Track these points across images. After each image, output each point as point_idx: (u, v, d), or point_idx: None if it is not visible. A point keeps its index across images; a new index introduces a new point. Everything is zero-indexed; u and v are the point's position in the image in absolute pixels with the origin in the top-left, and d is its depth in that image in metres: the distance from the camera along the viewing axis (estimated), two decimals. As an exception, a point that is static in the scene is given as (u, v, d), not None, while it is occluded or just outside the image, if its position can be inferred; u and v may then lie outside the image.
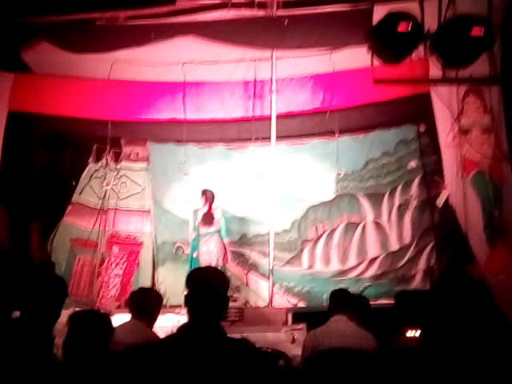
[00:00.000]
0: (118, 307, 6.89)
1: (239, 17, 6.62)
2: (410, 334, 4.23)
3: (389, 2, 4.54)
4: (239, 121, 7.76)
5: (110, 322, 3.02)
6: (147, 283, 7.89)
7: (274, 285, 7.35)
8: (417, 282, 7.67)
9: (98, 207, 8.26)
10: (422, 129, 7.88)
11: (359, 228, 8.04)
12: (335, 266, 8.01)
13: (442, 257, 7.52)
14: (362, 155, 8.07)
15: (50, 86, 7.33)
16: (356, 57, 6.61)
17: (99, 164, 8.35)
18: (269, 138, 7.34)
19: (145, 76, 7.43)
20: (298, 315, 6.16)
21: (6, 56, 6.84)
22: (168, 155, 8.32)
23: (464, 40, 3.62)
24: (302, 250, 8.14)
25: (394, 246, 7.97)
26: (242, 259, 8.14)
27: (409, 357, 3.64)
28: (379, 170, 8.05)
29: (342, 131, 7.72)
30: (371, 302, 5.18)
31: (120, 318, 4.69)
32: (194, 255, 7.32)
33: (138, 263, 8.30)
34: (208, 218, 7.30)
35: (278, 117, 7.26)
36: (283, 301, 7.70)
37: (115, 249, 8.29)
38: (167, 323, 5.66)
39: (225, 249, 7.37)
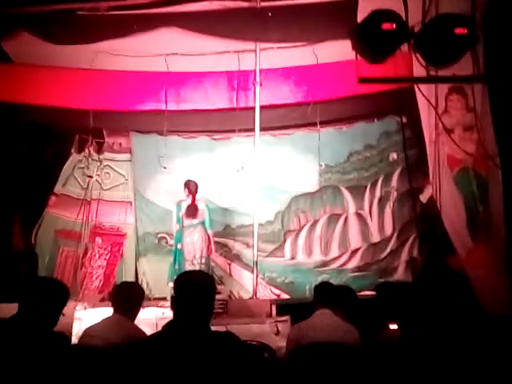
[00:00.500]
0: (102, 300, 6.89)
1: (223, 8, 6.56)
2: (393, 326, 4.29)
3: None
4: (222, 111, 7.75)
5: (66, 289, 3.04)
6: (131, 274, 7.91)
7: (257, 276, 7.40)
8: (399, 274, 7.79)
9: (82, 197, 8.22)
10: (404, 120, 7.96)
11: (341, 219, 8.13)
12: (317, 256, 8.10)
13: (425, 249, 7.63)
14: (346, 147, 8.14)
15: (32, 76, 7.22)
16: (339, 50, 6.60)
17: (82, 154, 8.30)
18: (252, 130, 7.35)
19: (127, 66, 7.36)
20: (282, 307, 6.21)
21: (-14, 46, 6.75)
22: (151, 146, 8.29)
23: (448, 38, 3.66)
24: (284, 241, 8.22)
25: (376, 237, 8.09)
26: (225, 250, 8.19)
27: (391, 350, 3.72)
28: (362, 163, 8.14)
29: (326, 123, 7.78)
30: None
31: (103, 311, 4.72)
32: (179, 246, 7.31)
33: (122, 254, 8.29)
34: (192, 210, 7.29)
35: (262, 108, 7.26)
36: (266, 291, 7.77)
37: (98, 240, 8.26)
38: (151, 315, 5.70)
39: (209, 240, 7.37)
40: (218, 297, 6.27)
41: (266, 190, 7.78)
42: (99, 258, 8.19)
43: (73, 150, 8.36)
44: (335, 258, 8.02)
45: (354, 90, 6.77)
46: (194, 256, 7.23)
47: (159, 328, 2.60)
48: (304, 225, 8.17)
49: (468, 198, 5.73)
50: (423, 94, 5.24)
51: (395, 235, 7.99)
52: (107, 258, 8.22)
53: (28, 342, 2.69)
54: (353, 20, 4.54)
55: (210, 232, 7.42)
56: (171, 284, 7.21)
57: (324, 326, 4.14)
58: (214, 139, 8.40)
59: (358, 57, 3.96)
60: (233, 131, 7.84)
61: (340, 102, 7.50)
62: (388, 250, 7.94)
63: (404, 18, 3.75)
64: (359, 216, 8.13)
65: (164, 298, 6.85)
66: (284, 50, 7.19)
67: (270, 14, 6.45)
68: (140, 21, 6.60)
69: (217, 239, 7.77)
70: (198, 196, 7.39)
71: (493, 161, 5.41)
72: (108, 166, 8.46)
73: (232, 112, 7.58)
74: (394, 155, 8.12)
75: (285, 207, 8.22)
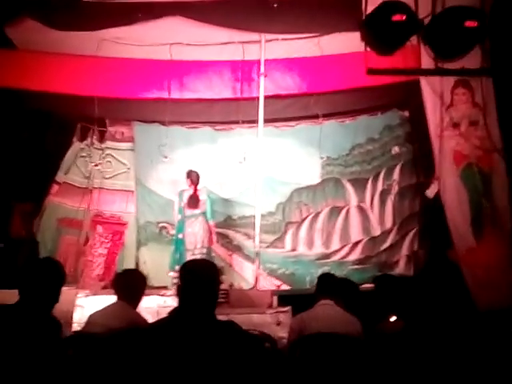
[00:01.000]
0: (104, 287, 6.90)
1: (228, -2, 6.56)
2: (394, 318, 4.31)
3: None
4: (226, 100, 7.74)
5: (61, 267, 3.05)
6: (132, 263, 7.90)
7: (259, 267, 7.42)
8: (400, 268, 7.79)
9: (84, 186, 8.20)
10: (407, 114, 7.97)
11: (343, 212, 8.13)
12: (318, 248, 8.10)
13: (426, 243, 7.64)
14: (348, 140, 8.13)
15: (36, 62, 7.21)
16: (345, 42, 6.62)
17: (84, 143, 8.29)
18: (255, 121, 7.34)
19: (131, 54, 7.35)
20: (283, 298, 6.23)
21: (-10, 32, 6.72)
22: (153, 136, 8.26)
23: (457, 31, 3.65)
24: (285, 232, 8.20)
25: (376, 230, 8.08)
26: (226, 241, 8.18)
27: (392, 341, 3.74)
28: (364, 156, 8.13)
29: (329, 116, 7.77)
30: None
31: (105, 299, 4.73)
32: (180, 236, 7.33)
33: (123, 243, 8.29)
34: (194, 200, 7.30)
35: (265, 98, 7.25)
36: (267, 282, 7.77)
37: (99, 228, 8.26)
38: (153, 304, 5.71)
39: (210, 230, 7.39)
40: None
41: (267, 182, 7.77)
42: (100, 246, 8.19)
43: (75, 139, 8.34)
44: (336, 251, 8.03)
45: (358, 82, 6.79)
46: (195, 246, 7.25)
47: (160, 316, 2.61)
48: (306, 217, 8.17)
49: (473, 193, 5.72)
50: (430, 87, 5.22)
51: (395, 228, 7.99)
52: (108, 246, 8.23)
53: (26, 328, 2.70)
54: (358, 12, 4.53)
55: (211, 222, 7.44)
56: (172, 273, 7.24)
57: (326, 317, 4.15)
58: (217, 130, 8.38)
59: (367, 48, 3.94)
60: (236, 122, 7.81)
61: (343, 94, 7.50)
62: (388, 243, 7.95)
63: (414, 9, 3.74)
64: (361, 209, 8.13)
65: (164, 287, 6.87)
66: (289, 41, 7.17)
67: (275, 5, 6.43)
68: (145, 9, 6.57)
69: (218, 230, 7.76)
70: (199, 186, 7.40)
71: (500, 154, 5.40)
72: (110, 154, 8.44)
73: (235, 103, 7.57)
74: (396, 149, 8.11)
75: (286, 199, 8.21)
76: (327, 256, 8.04)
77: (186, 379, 2.34)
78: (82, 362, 3.21)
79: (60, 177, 8.26)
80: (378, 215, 8.11)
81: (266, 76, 7.18)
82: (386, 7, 3.71)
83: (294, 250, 8.14)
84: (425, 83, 5.54)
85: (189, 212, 7.33)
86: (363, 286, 6.25)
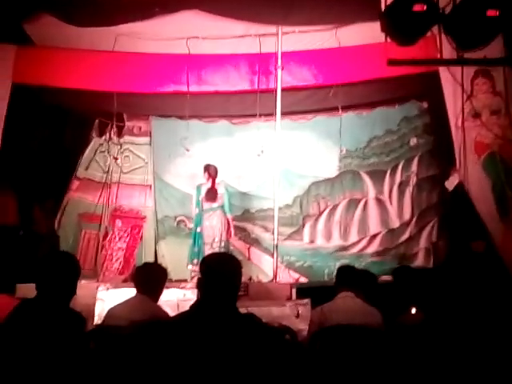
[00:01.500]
0: (124, 281, 6.96)
1: (244, -9, 6.54)
2: (414, 310, 4.30)
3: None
4: (243, 94, 7.73)
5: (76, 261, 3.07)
6: (151, 257, 7.96)
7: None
8: (420, 260, 7.74)
9: (103, 181, 8.27)
10: (426, 105, 7.90)
11: (361, 204, 8.10)
12: (337, 241, 8.09)
13: (446, 234, 7.58)
14: (366, 132, 8.09)
15: (54, 58, 7.26)
16: (362, 33, 6.60)
17: (103, 138, 8.35)
18: (272, 115, 7.32)
19: (149, 49, 7.37)
20: (302, 290, 6.23)
21: (9, 28, 6.75)
22: (170, 130, 8.32)
23: (479, 20, 3.60)
24: (303, 225, 8.20)
25: (395, 222, 8.04)
26: (244, 234, 8.21)
27: (413, 333, 3.73)
28: (382, 148, 8.08)
29: (346, 108, 7.72)
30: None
31: (125, 292, 4.76)
32: (198, 230, 7.36)
33: (142, 237, 8.36)
34: (212, 194, 7.32)
35: (283, 90, 7.23)
36: (285, 275, 7.78)
37: (118, 222, 8.33)
38: (172, 297, 5.74)
39: (228, 224, 7.41)
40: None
41: (285, 175, 7.75)
42: (119, 240, 8.26)
43: (94, 134, 8.41)
44: (354, 243, 8.00)
45: (376, 73, 6.74)
46: (213, 239, 7.28)
47: (180, 309, 2.62)
48: (323, 210, 8.16)
49: (496, 183, 5.65)
50: (450, 77, 5.16)
51: (414, 220, 7.94)
52: (127, 240, 8.29)
53: (45, 321, 2.72)
54: (376, 3, 4.49)
55: (229, 216, 7.46)
56: (190, 267, 7.27)
57: (347, 309, 4.15)
58: (234, 123, 8.39)
59: (387, 39, 3.90)
60: (253, 116, 7.80)
61: (361, 86, 7.45)
62: (407, 235, 7.91)
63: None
64: (379, 201, 8.09)
65: (183, 280, 6.91)
66: (305, 34, 7.14)
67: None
68: (161, 3, 6.58)
69: (236, 223, 7.78)
70: (217, 180, 7.42)
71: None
72: (128, 149, 8.51)
73: (252, 96, 7.56)
74: (414, 140, 8.06)
75: (304, 192, 8.21)
76: (345, 248, 8.02)
77: (208, 372, 2.36)
78: (104, 355, 3.24)
79: (81, 172, 8.35)
80: (397, 207, 8.06)
81: (282, 69, 7.15)
82: (405, -2, 3.67)
83: (312, 242, 8.14)
84: (444, 74, 5.47)
85: (207, 205, 7.35)
86: (382, 278, 6.24)
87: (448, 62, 4.55)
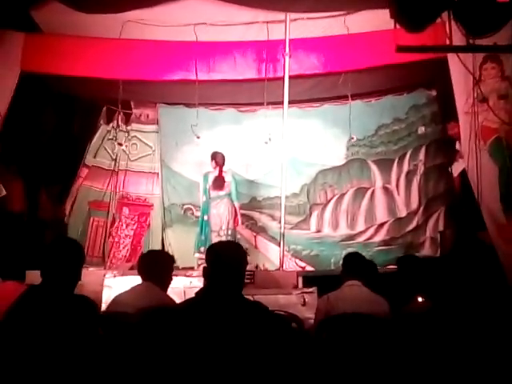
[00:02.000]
0: (131, 268, 6.99)
1: (252, -22, 6.49)
2: (421, 299, 4.29)
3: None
4: (251, 81, 7.69)
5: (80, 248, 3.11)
6: (158, 245, 7.99)
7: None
8: (426, 249, 7.73)
9: (112, 168, 8.29)
10: (434, 94, 7.85)
11: (368, 193, 8.09)
12: (343, 230, 8.09)
13: (453, 223, 7.55)
14: (374, 121, 8.06)
15: (61, 46, 7.22)
16: (371, 20, 6.53)
17: (110, 125, 8.35)
18: (280, 103, 7.29)
19: (156, 36, 7.33)
20: (308, 279, 6.23)
21: (17, 16, 6.74)
22: (178, 118, 8.30)
23: (489, 7, 3.56)
24: (310, 214, 8.21)
25: (402, 211, 8.03)
26: (251, 222, 8.23)
27: (420, 322, 3.72)
28: (390, 136, 8.06)
29: (354, 96, 7.67)
30: (381, 268, 5.24)
31: (132, 279, 4.77)
32: (205, 218, 7.37)
33: (149, 225, 8.39)
34: (219, 182, 7.32)
35: (290, 78, 7.18)
36: (291, 264, 7.80)
37: (125, 210, 8.37)
38: (179, 285, 5.75)
39: (235, 212, 7.42)
40: (245, 267, 6.34)
41: (292, 163, 7.73)
42: (126, 227, 8.30)
43: (102, 122, 8.42)
44: (361, 232, 8.00)
45: (384, 60, 6.68)
46: (220, 227, 7.29)
47: (187, 297, 2.63)
48: (330, 198, 8.16)
49: (502, 168, 5.60)
50: (459, 64, 5.10)
51: (421, 209, 7.93)
52: (134, 228, 8.33)
53: (52, 307, 2.74)
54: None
55: (236, 204, 7.46)
56: (197, 254, 7.29)
57: (353, 297, 4.15)
58: (241, 111, 8.37)
59: (396, 26, 3.87)
60: (261, 104, 7.77)
61: (370, 74, 7.38)
62: (414, 224, 7.89)
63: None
64: (386, 190, 8.07)
65: (190, 268, 6.93)
66: (314, 21, 7.08)
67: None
68: (169, -10, 6.55)
69: (243, 211, 7.79)
70: (224, 168, 7.41)
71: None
72: (135, 136, 8.53)
73: (260, 84, 7.51)
74: (422, 128, 8.02)
75: (311, 180, 8.21)
76: (352, 237, 8.02)
77: (214, 359, 2.37)
78: (112, 341, 3.25)
79: (89, 160, 8.40)
80: (404, 196, 8.05)
81: (290, 56, 7.11)
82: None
83: (318, 231, 8.15)
84: (453, 60, 5.41)
85: (214, 193, 7.36)
86: (388, 267, 6.24)
87: (457, 49, 4.50)
